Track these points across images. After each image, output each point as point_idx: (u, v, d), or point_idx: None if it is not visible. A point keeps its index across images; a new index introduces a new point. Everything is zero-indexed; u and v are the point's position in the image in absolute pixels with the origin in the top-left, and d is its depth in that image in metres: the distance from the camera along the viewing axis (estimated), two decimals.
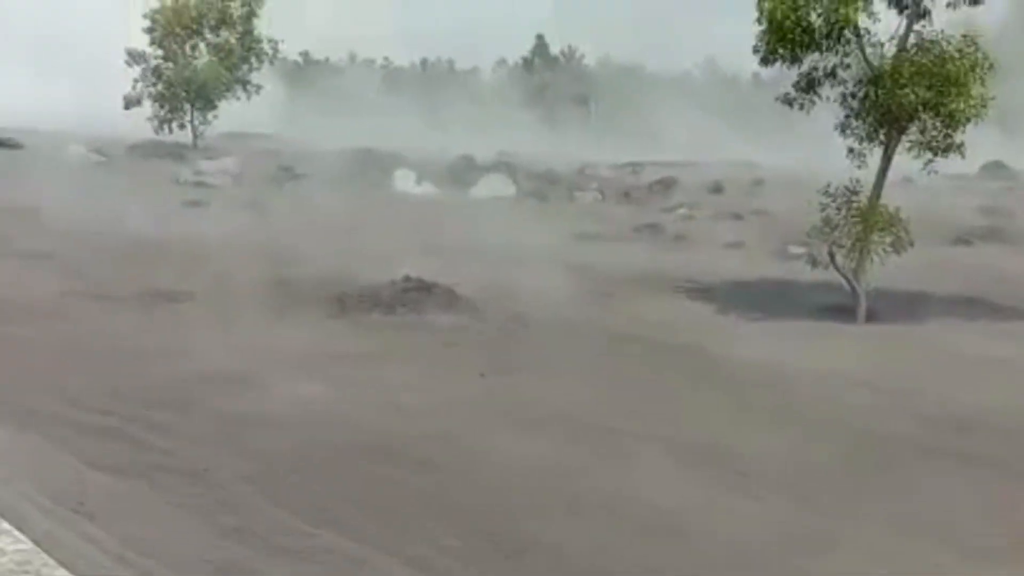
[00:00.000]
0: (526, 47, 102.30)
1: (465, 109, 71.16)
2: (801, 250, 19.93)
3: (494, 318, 16.43)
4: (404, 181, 38.95)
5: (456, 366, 13.44)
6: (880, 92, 17.49)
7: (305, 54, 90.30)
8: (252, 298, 16.77)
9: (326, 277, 18.30)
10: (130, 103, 53.66)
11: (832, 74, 18.22)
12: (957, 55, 17.11)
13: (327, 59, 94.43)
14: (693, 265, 22.77)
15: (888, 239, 17.85)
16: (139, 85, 53.78)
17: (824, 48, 17.87)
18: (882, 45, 18.03)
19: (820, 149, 26.75)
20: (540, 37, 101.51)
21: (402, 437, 10.06)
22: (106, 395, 11.17)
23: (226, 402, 11.02)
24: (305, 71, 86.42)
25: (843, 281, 17.92)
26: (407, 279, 17.43)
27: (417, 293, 17.21)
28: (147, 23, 53.18)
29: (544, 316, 16.44)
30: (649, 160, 52.88)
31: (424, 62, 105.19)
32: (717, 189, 41.52)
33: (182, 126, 53.94)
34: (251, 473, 8.84)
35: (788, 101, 18.80)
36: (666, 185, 42.11)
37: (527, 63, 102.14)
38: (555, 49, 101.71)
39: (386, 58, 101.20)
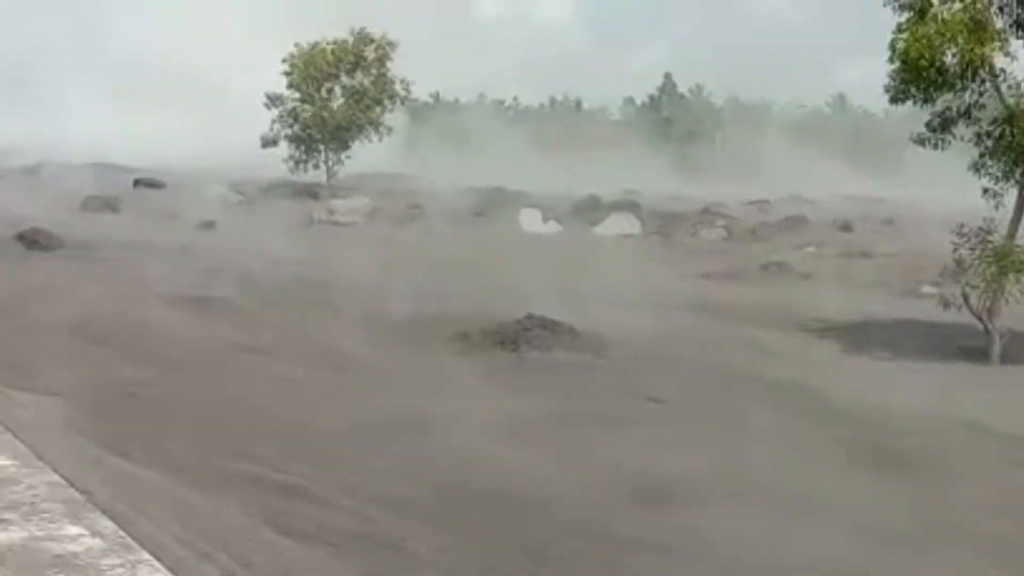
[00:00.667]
0: (654, 85, 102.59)
1: (592, 147, 71.48)
2: (933, 290, 19.52)
3: (616, 357, 16.48)
4: (530, 219, 39.36)
5: (577, 404, 13.50)
6: (1016, 131, 17.11)
7: (436, 95, 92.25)
8: (382, 334, 17.23)
9: (451, 314, 18.63)
10: (267, 144, 55.59)
11: (966, 113, 17.92)
12: None
13: (456, 99, 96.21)
14: (821, 304, 22.41)
15: None
16: (276, 126, 55.73)
17: (958, 87, 17.60)
18: (1019, 84, 17.69)
19: (952, 188, 26.16)
20: (668, 75, 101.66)
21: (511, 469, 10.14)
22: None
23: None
24: (435, 111, 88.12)
25: (977, 322, 17.51)
26: (531, 317, 17.65)
27: (541, 331, 17.40)
28: (286, 67, 55.26)
29: (667, 355, 16.43)
30: (777, 197, 52.28)
31: (552, 101, 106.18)
32: (846, 227, 40.77)
33: (316, 166, 55.66)
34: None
35: (921, 140, 18.56)
36: (794, 223, 41.53)
37: (654, 101, 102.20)
38: (683, 87, 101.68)
39: (515, 97, 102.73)
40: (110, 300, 18.43)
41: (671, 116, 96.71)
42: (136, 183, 48.09)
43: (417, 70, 59.32)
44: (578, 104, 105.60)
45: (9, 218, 29.26)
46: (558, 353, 16.54)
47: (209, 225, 32.19)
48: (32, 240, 26.71)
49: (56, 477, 6.51)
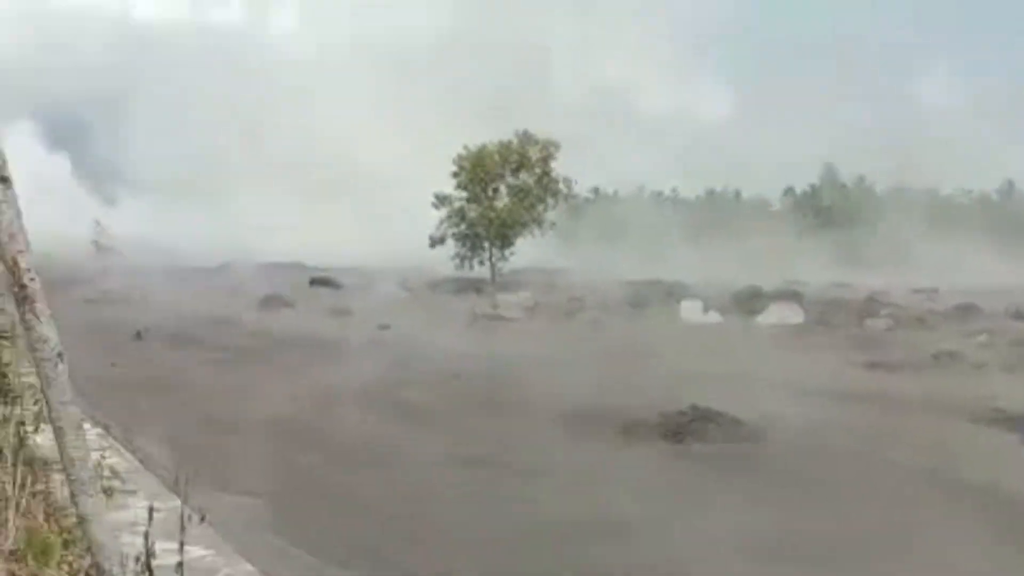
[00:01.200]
0: (815, 175, 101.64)
1: (752, 238, 71.16)
2: None
3: (779, 449, 16.41)
4: (691, 310, 39.48)
5: (739, 498, 13.51)
6: None
7: (595, 189, 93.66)
8: (543, 425, 17.68)
9: (613, 405, 18.92)
10: (435, 243, 57.66)
11: None
12: None
13: (616, 192, 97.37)
14: (998, 394, 21.71)
15: None
16: (443, 225, 57.83)
17: None
18: None
19: None
20: (828, 165, 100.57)
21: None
22: None
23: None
24: (595, 204, 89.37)
25: None
26: (694, 408, 17.81)
27: (703, 422, 17.52)
28: (454, 168, 57.58)
29: (833, 448, 16.24)
30: (945, 286, 50.87)
31: (710, 192, 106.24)
32: (1020, 315, 39.38)
33: (481, 262, 57.36)
34: None
35: None
36: (964, 311, 40.37)
37: (815, 191, 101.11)
38: (844, 176, 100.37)
39: (674, 189, 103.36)
40: (301, 398, 19.41)
41: (832, 205, 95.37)
42: (312, 281, 50.48)
43: (578, 165, 60.87)
44: (737, 195, 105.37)
45: (194, 315, 31.28)
46: (722, 444, 16.60)
47: (384, 325, 33.52)
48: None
49: (250, 567, 7.22)
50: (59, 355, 3.96)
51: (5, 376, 10.58)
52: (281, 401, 18.65)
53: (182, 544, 6.54)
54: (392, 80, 79.01)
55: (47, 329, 3.93)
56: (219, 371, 23.33)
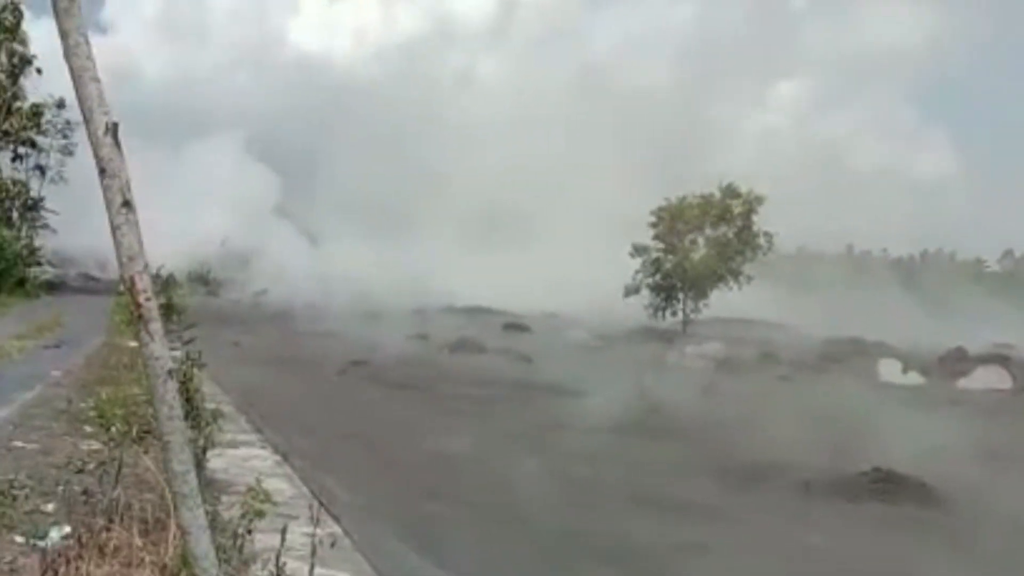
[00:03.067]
0: None
1: (963, 299, 67.94)
2: None
3: (968, 516, 15.67)
4: (889, 370, 37.97)
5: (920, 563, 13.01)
6: None
7: (801, 247, 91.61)
8: (717, 479, 17.43)
9: (794, 463, 18.49)
10: (629, 292, 57.77)
11: None
12: None
13: (822, 251, 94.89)
14: None
15: None
16: (639, 275, 57.90)
17: None
18: None
19: None
20: None
21: None
22: None
23: None
24: (798, 261, 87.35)
25: None
26: (877, 470, 17.23)
27: (886, 484, 16.94)
28: (653, 219, 57.74)
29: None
30: None
31: (924, 253, 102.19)
32: None
33: (675, 313, 57.08)
34: None
35: None
36: None
37: None
38: None
39: (884, 249, 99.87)
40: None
41: None
42: (505, 327, 51.37)
43: (785, 223, 59.84)
44: (952, 256, 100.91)
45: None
46: (903, 507, 15.98)
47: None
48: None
49: None
50: (169, 372, 4.19)
51: (191, 400, 11.26)
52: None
53: (312, 566, 6.88)
54: (590, 136, 79.62)
55: (159, 348, 4.18)
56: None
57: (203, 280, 66.58)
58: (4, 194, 54.39)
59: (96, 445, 11.58)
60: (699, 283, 56.34)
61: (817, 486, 17.06)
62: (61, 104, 55.53)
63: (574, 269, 59.40)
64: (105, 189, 4.19)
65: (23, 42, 55.97)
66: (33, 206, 57.92)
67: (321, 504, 11.15)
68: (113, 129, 4.21)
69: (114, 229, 4.17)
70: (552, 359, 37.14)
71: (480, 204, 75.89)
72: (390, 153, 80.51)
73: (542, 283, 59.65)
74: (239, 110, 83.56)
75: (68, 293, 57.58)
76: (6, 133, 53.31)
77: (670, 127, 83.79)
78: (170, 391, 4.19)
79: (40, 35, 59.36)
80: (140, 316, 4.15)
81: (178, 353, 12.51)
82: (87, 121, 4.21)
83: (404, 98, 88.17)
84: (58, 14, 4.10)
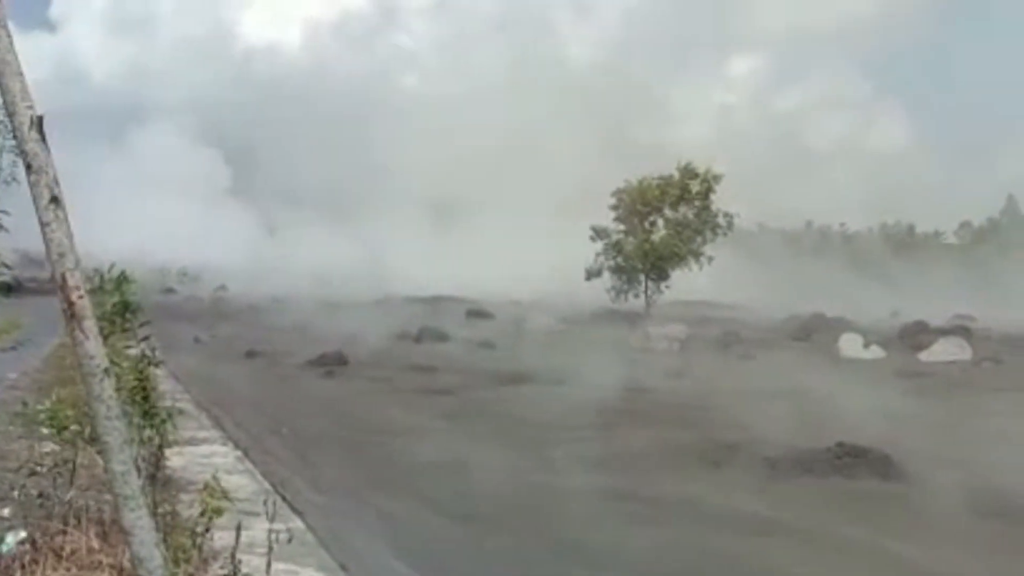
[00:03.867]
0: (996, 209, 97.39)
1: (922, 273, 68.60)
2: None
3: (933, 488, 15.76)
4: (851, 345, 38.24)
5: (885, 537, 13.04)
6: None
7: (761, 224, 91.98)
8: (682, 457, 17.48)
9: (757, 439, 18.57)
10: (591, 275, 57.79)
11: None
12: None
13: (781, 228, 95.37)
14: None
15: None
16: (600, 258, 57.93)
17: None
18: None
19: None
20: (1010, 197, 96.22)
21: None
22: None
23: None
24: (757, 238, 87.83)
25: None
26: (840, 445, 17.31)
27: (851, 459, 17.01)
28: (613, 201, 57.78)
29: (994, 490, 15.48)
30: None
31: (882, 227, 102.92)
32: None
33: (636, 295, 57.19)
34: None
35: None
36: None
37: (994, 224, 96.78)
38: None
39: (842, 224, 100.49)
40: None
41: (1012, 239, 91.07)
42: (468, 314, 51.25)
43: (744, 201, 60.09)
44: (910, 230, 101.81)
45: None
46: (868, 482, 16.07)
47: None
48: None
49: None
50: (104, 371, 4.08)
51: (148, 399, 11.07)
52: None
53: (269, 564, 6.79)
54: (543, 114, 79.45)
55: (94, 346, 4.07)
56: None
57: (161, 276, 65.91)
58: None
59: (52, 447, 11.40)
60: (660, 264, 56.44)
61: (782, 463, 17.09)
62: None
63: (534, 253, 59.45)
64: (32, 185, 4.12)
65: None
66: None
67: (284, 499, 11.06)
68: (38, 123, 4.11)
69: (43, 226, 4.12)
70: (515, 345, 37.16)
71: (436, 190, 75.88)
72: (344, 142, 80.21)
73: (503, 269, 59.62)
74: (189, 103, 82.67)
75: (25, 295, 56.71)
76: None
77: (625, 106, 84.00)
78: (107, 390, 4.11)
79: None
80: (73, 314, 4.05)
81: (134, 351, 12.33)
82: (11, 116, 4.12)
83: (353, 85, 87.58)
84: None
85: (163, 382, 14.04)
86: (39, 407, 14.43)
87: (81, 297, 4.06)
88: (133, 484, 4.12)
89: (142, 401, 10.80)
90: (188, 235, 69.91)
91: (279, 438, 17.07)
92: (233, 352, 33.70)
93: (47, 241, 4.09)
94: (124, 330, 12.45)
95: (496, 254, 61.99)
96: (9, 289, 51.58)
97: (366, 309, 47.83)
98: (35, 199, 4.11)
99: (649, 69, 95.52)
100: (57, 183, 4.10)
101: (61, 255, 4.06)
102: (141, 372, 11.35)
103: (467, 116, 79.43)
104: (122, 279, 13.45)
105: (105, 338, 13.37)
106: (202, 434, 14.65)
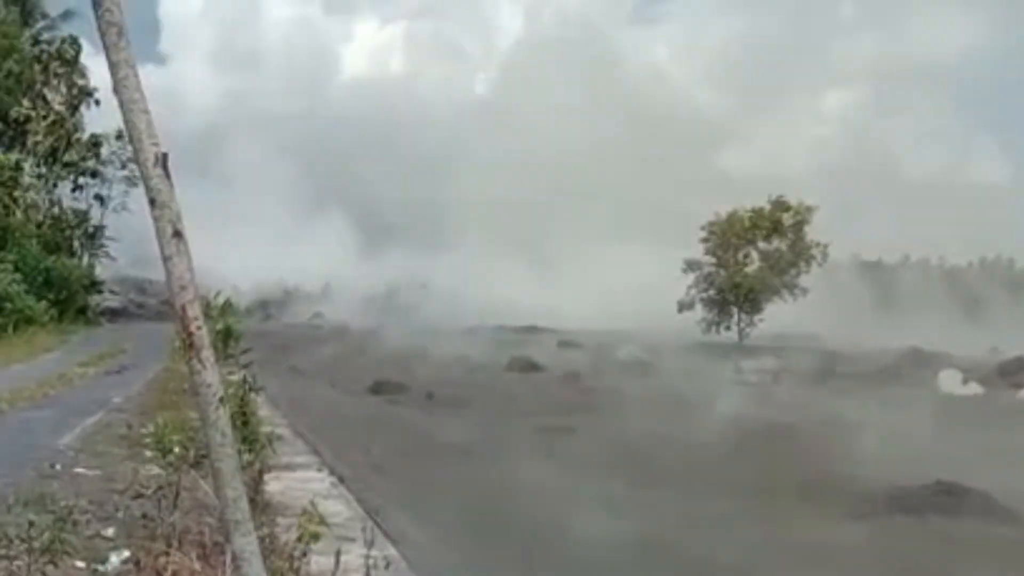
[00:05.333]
0: None
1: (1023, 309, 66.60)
2: None
3: None
4: (950, 381, 37.36)
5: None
6: None
7: (855, 256, 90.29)
8: (776, 491, 17.30)
9: (852, 476, 18.30)
10: (683, 307, 57.54)
11: None
12: None
13: (879, 260, 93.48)
14: None
15: None
16: (692, 291, 57.72)
17: None
18: None
19: None
20: None
21: None
22: None
23: None
24: (853, 272, 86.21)
25: None
26: (938, 483, 16.97)
27: (948, 498, 16.66)
28: (703, 233, 57.57)
29: None
30: None
31: (982, 261, 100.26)
32: None
33: (728, 328, 56.76)
34: None
35: None
36: None
37: None
38: None
39: (940, 257, 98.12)
40: None
41: None
42: (560, 344, 51.32)
43: (838, 233, 59.25)
44: (1010, 264, 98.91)
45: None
46: (967, 522, 15.71)
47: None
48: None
49: None
50: (220, 399, 4.23)
51: (248, 424, 11.41)
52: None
53: None
54: (634, 145, 79.22)
55: (211, 375, 4.21)
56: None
57: (261, 305, 67.34)
58: (65, 224, 55.45)
59: (156, 470, 11.80)
60: (753, 297, 56.03)
61: (878, 499, 16.86)
62: (120, 135, 56.67)
63: (624, 284, 59.31)
64: (156, 219, 4.26)
65: (82, 74, 57.23)
66: (94, 234, 58.99)
67: (377, 525, 11.27)
68: (163, 160, 4.28)
69: (165, 259, 4.25)
70: (609, 376, 37.16)
71: (527, 219, 76.07)
72: (434, 170, 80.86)
73: (592, 299, 59.57)
74: (287, 131, 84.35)
75: (130, 320, 58.64)
76: (67, 164, 54.40)
77: (717, 138, 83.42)
78: (222, 418, 4.22)
79: (99, 68, 60.84)
80: (191, 344, 4.19)
81: (235, 377, 12.72)
82: (137, 152, 4.30)
83: (444, 114, 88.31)
84: (107, 48, 4.18)
85: (261, 408, 14.44)
86: (143, 430, 14.98)
87: (199, 328, 4.22)
88: (244, 510, 4.27)
89: (243, 427, 11.15)
90: (284, 261, 71.30)
91: (374, 467, 17.34)
92: (326, 379, 34.29)
93: (168, 273, 4.24)
94: (228, 356, 12.88)
95: (586, 284, 62.04)
96: (115, 313, 53.36)
97: (458, 337, 48.26)
98: (158, 233, 4.26)
99: (742, 100, 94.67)
100: (179, 218, 4.27)
101: (182, 287, 4.22)
102: (242, 398, 11.74)
103: (558, 146, 79.50)
104: (226, 307, 13.92)
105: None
106: (299, 460, 14.97)
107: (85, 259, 57.78)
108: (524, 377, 37.95)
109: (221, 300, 12.58)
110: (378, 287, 70.00)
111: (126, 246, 61.11)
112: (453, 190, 77.03)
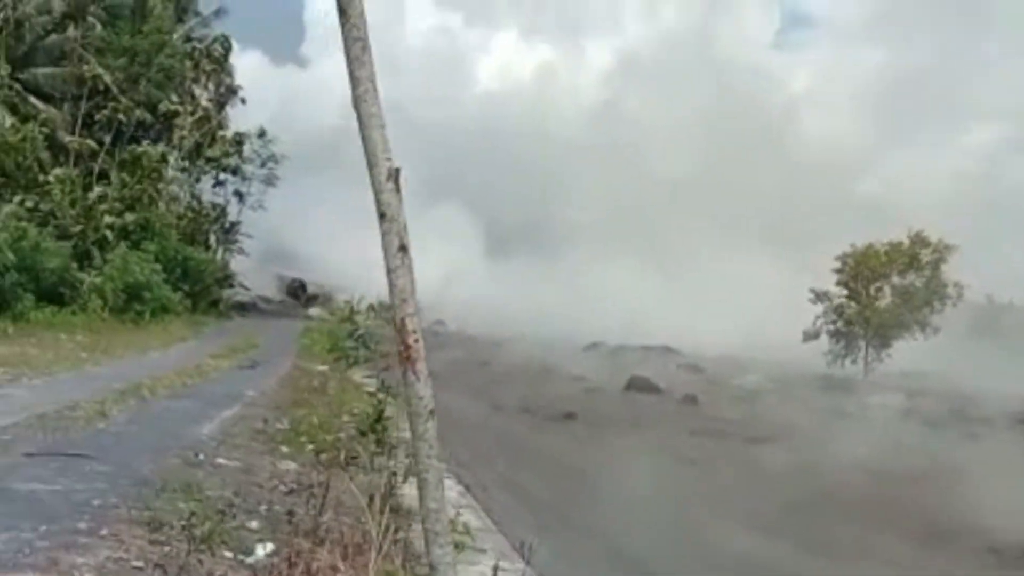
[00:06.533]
0: None
1: None
2: None
3: None
4: None
5: None
6: None
7: (989, 297, 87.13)
8: (898, 539, 16.92)
9: (982, 526, 17.76)
10: (808, 337, 56.55)
11: None
12: None
13: (1010, 301, 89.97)
14: None
15: None
16: (819, 321, 56.70)
17: None
18: None
19: None
20: None
21: None
22: None
23: None
24: (988, 312, 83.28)
25: None
26: None
27: None
28: (837, 264, 56.53)
29: None
30: None
31: None
32: None
33: (854, 361, 55.60)
34: None
35: None
36: None
37: None
38: None
39: None
40: None
41: None
42: (680, 367, 50.89)
43: (973, 270, 57.42)
44: None
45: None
46: None
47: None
48: None
49: None
50: (430, 412, 4.34)
51: (386, 429, 11.68)
52: None
53: None
54: (767, 173, 77.89)
55: (423, 388, 4.33)
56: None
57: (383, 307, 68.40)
58: (204, 218, 57.31)
59: (292, 465, 12.16)
60: (883, 331, 54.80)
61: (1008, 553, 16.34)
62: (262, 134, 58.45)
63: (748, 309, 58.56)
64: (384, 233, 4.36)
65: (229, 73, 59.20)
66: (229, 230, 60.81)
67: (521, 546, 11.39)
68: (395, 174, 4.38)
69: (389, 272, 4.35)
70: (731, 404, 36.78)
71: (652, 238, 75.60)
72: (557, 184, 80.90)
73: (714, 323, 58.88)
74: (417, 140, 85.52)
75: (257, 314, 60.28)
76: (209, 159, 56.23)
77: (856, 169, 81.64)
78: (430, 430, 4.35)
79: (243, 66, 62.88)
80: (408, 357, 4.30)
81: (372, 380, 13.04)
82: (371, 166, 4.39)
83: (569, 129, 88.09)
84: (350, 61, 4.28)
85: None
86: (279, 425, 15.44)
87: (417, 341, 4.31)
88: (444, 521, 4.36)
89: (381, 431, 11.44)
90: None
91: (492, 470, 17.53)
92: (450, 388, 34.67)
93: (392, 286, 4.35)
94: (367, 360, 13.22)
95: (709, 306, 61.34)
96: (244, 308, 54.94)
97: (579, 354, 48.36)
98: (385, 246, 4.37)
99: (881, 130, 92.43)
100: (406, 232, 4.36)
101: (403, 300, 4.31)
102: (379, 401, 12.03)
103: (690, 165, 78.97)
104: (353, 311, 14.33)
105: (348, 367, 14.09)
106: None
107: (219, 253, 59.57)
108: (644, 398, 37.80)
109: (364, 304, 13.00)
110: (498, 297, 70.42)
111: (256, 243, 63.08)
112: (576, 203, 77.14)
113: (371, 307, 11.83)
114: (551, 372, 40.52)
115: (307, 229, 70.36)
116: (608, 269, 70.25)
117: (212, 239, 59.06)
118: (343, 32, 4.27)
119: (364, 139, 4.36)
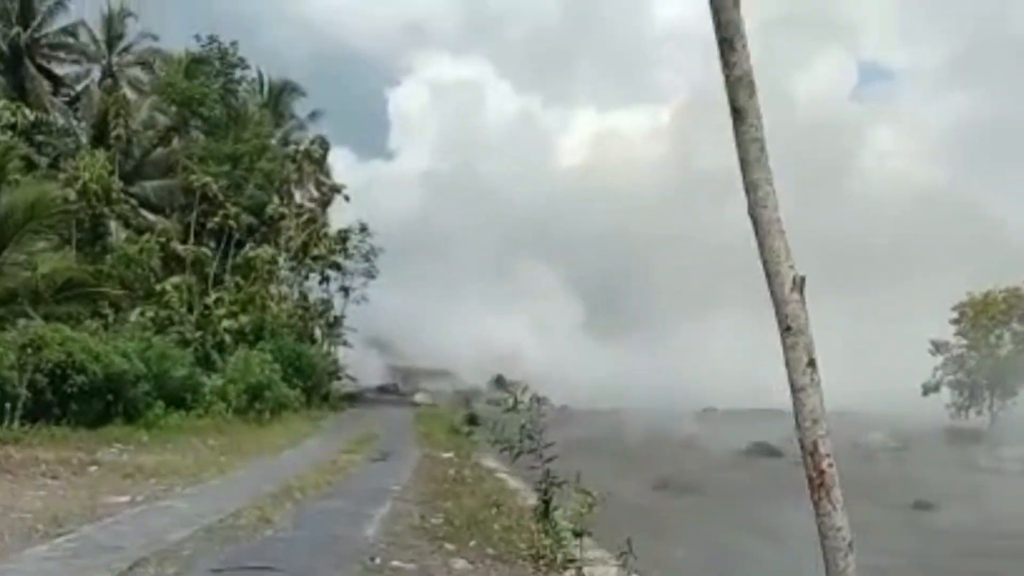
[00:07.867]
0: None
1: None
2: None
3: None
4: None
5: None
6: None
7: None
8: None
9: None
10: (928, 390, 55.28)
11: None
12: None
13: None
14: None
15: None
16: (939, 373, 55.42)
17: None
18: None
19: None
20: None
21: None
22: None
23: None
24: None
25: None
26: None
27: None
28: (955, 315, 55.33)
29: None
30: None
31: None
32: None
33: (979, 412, 54.13)
34: None
35: None
36: None
37: None
38: None
39: None
40: None
41: None
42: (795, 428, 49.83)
43: None
44: None
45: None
46: None
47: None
48: None
49: None
50: (850, 545, 3.91)
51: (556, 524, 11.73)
52: None
53: None
54: (883, 220, 76.42)
55: (840, 518, 3.93)
56: None
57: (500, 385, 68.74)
58: (311, 314, 58.48)
59: (464, 563, 12.27)
60: (1006, 380, 53.29)
61: None
62: (363, 228, 59.73)
63: (864, 365, 57.38)
64: (790, 348, 4.00)
65: (327, 172, 60.88)
66: (333, 323, 61.92)
67: None
68: (800, 284, 4.06)
69: (797, 390, 3.97)
70: (862, 462, 35.96)
71: (756, 302, 74.49)
72: (646, 251, 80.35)
73: (829, 380, 57.69)
74: (513, 213, 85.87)
75: (365, 404, 60.94)
76: (315, 258, 57.52)
77: (947, 218, 79.93)
78: (850, 565, 3.90)
79: (338, 165, 64.60)
80: (822, 483, 3.92)
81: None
82: (772, 275, 4.05)
83: (650, 197, 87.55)
84: (747, 164, 3.91)
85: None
86: (434, 520, 15.60)
87: (831, 466, 3.97)
88: None
89: (552, 525, 11.55)
90: (496, 345, 72.15)
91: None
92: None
93: (799, 406, 3.98)
94: (530, 452, 13.37)
95: (822, 364, 60.17)
96: (352, 399, 55.69)
97: (695, 421, 47.81)
98: (791, 362, 4.01)
99: (985, 179, 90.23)
100: (813, 347, 4.01)
101: (814, 421, 3.96)
102: (545, 491, 12.18)
103: (791, 224, 78.22)
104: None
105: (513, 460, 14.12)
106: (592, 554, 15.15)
107: (325, 346, 60.60)
108: (769, 463, 37.20)
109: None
110: (597, 369, 69.95)
111: (357, 333, 64.07)
112: (664, 271, 76.64)
113: (535, 398, 11.98)
114: (676, 441, 40.06)
115: (402, 315, 71.17)
116: (709, 330, 69.47)
117: (318, 333, 60.14)
118: (739, 134, 3.92)
119: (762, 247, 4.04)
